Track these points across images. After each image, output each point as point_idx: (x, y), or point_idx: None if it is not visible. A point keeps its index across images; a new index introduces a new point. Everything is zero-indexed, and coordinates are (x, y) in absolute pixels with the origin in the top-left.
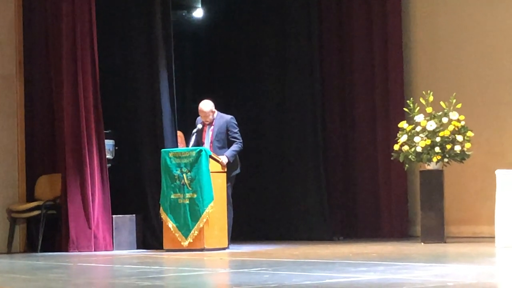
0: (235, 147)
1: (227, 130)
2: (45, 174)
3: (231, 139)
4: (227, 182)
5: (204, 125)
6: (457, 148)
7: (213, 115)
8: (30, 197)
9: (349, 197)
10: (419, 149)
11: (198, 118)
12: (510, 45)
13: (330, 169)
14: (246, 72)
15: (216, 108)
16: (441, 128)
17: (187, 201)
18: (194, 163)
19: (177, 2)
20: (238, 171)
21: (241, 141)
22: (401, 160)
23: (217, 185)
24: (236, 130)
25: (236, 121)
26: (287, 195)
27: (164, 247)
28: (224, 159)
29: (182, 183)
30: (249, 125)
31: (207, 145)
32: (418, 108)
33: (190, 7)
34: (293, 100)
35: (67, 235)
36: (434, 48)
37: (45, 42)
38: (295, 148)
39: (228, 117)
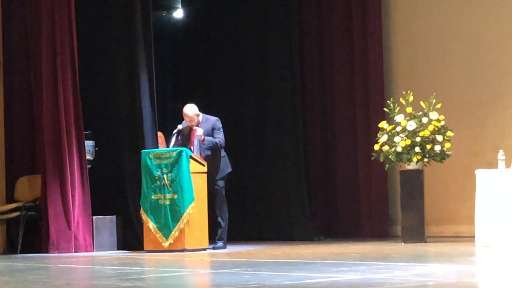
0: (216, 139)
1: (212, 131)
2: (25, 175)
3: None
4: (219, 181)
5: (191, 128)
6: (437, 148)
7: (198, 118)
8: (10, 198)
9: (330, 197)
10: (399, 149)
11: (184, 122)
12: (489, 45)
13: (311, 170)
14: (226, 72)
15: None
16: (421, 128)
17: (168, 202)
18: (175, 164)
19: (157, 3)
20: (229, 169)
21: (224, 141)
22: (381, 160)
23: (198, 185)
24: (220, 131)
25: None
26: (268, 196)
27: (144, 248)
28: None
29: (162, 183)
30: (230, 125)
31: (195, 147)
32: (398, 108)
33: (170, 8)
34: (274, 100)
35: (47, 236)
36: (414, 48)
37: (25, 43)
38: (276, 149)
39: (214, 119)
